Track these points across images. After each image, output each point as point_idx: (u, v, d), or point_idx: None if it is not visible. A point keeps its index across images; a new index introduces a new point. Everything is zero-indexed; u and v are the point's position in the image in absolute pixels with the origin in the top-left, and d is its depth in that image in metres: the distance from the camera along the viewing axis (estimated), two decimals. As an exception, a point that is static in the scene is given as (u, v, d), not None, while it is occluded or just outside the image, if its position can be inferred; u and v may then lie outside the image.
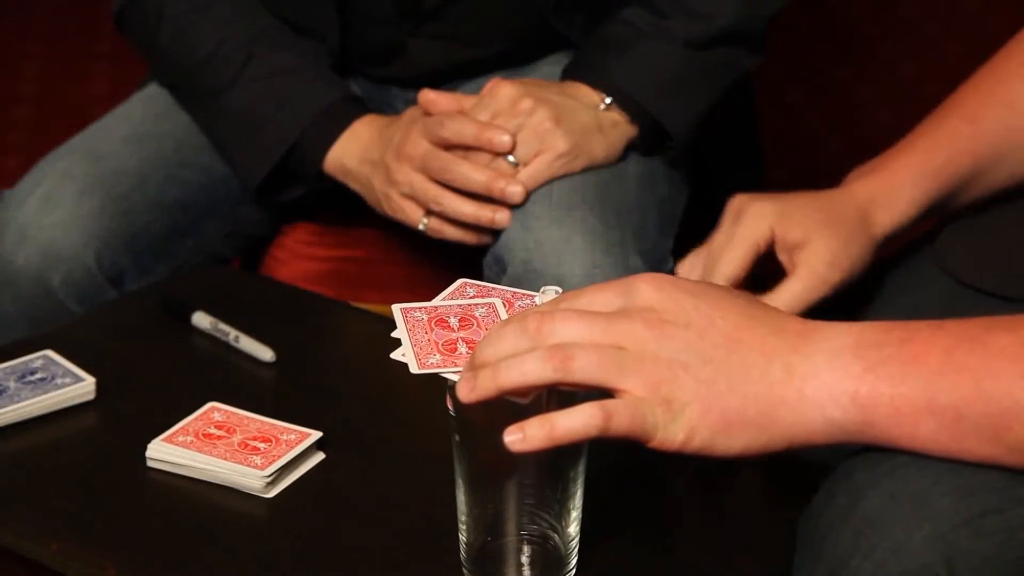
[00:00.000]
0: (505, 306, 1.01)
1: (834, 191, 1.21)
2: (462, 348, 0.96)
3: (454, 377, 0.94)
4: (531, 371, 0.87)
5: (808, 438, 0.87)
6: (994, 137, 1.17)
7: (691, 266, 1.22)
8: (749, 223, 1.18)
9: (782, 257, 1.18)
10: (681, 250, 1.53)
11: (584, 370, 0.87)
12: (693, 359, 0.87)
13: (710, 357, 0.87)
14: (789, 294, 1.16)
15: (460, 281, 1.03)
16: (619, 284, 0.91)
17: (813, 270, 1.16)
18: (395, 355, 0.96)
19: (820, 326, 0.89)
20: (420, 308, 1.00)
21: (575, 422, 0.87)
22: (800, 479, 1.02)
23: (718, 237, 1.20)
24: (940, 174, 1.18)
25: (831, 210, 1.18)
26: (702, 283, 0.93)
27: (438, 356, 0.95)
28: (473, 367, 0.90)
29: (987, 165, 1.18)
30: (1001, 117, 1.18)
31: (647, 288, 0.89)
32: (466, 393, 0.89)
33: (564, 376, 0.87)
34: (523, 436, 0.87)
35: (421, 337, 0.97)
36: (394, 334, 0.97)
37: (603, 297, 0.90)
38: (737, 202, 1.21)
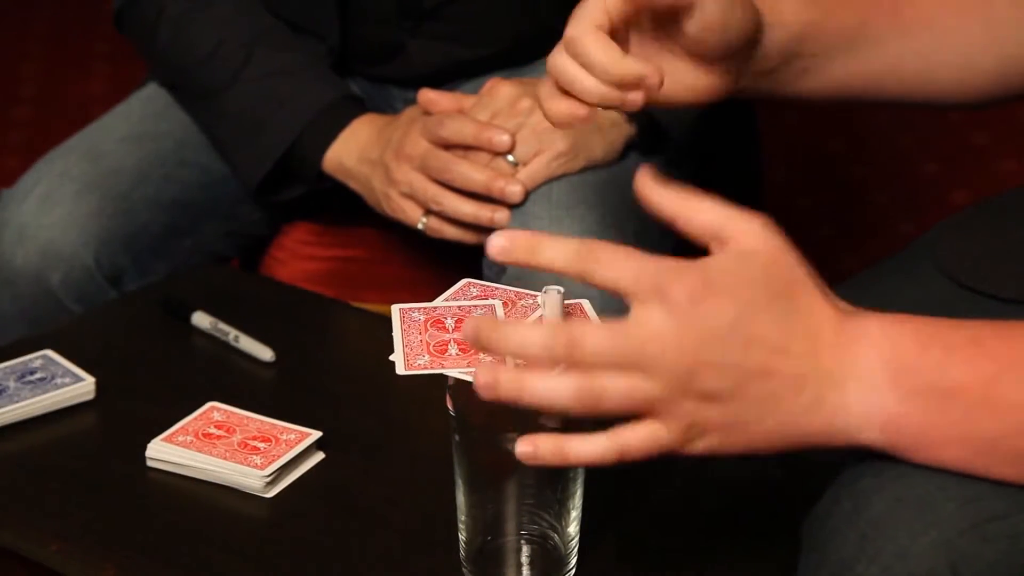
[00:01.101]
0: (506, 306, 1.01)
1: None
2: (452, 349, 0.96)
3: (461, 376, 0.94)
4: (559, 401, 0.84)
5: (828, 452, 0.87)
6: (884, 10, 1.13)
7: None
8: None
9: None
10: (681, 250, 1.53)
11: (612, 407, 0.84)
12: (723, 391, 0.84)
13: (740, 388, 0.84)
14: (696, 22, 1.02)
15: (464, 281, 1.03)
16: (652, 291, 0.84)
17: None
18: (392, 356, 0.96)
19: (855, 342, 0.85)
20: (419, 309, 1.00)
21: (588, 452, 0.86)
22: (805, 481, 1.01)
23: None
24: (830, 8, 1.11)
25: None
26: (742, 276, 0.84)
27: (427, 357, 0.95)
28: (486, 347, 0.85)
29: (872, 36, 1.12)
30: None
31: (684, 292, 0.83)
32: (485, 387, 0.84)
33: (591, 414, 0.84)
34: (534, 452, 0.86)
35: (414, 338, 0.97)
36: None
37: (637, 272, 0.85)
38: None
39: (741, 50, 1.06)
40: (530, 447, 0.86)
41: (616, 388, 0.83)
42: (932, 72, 1.15)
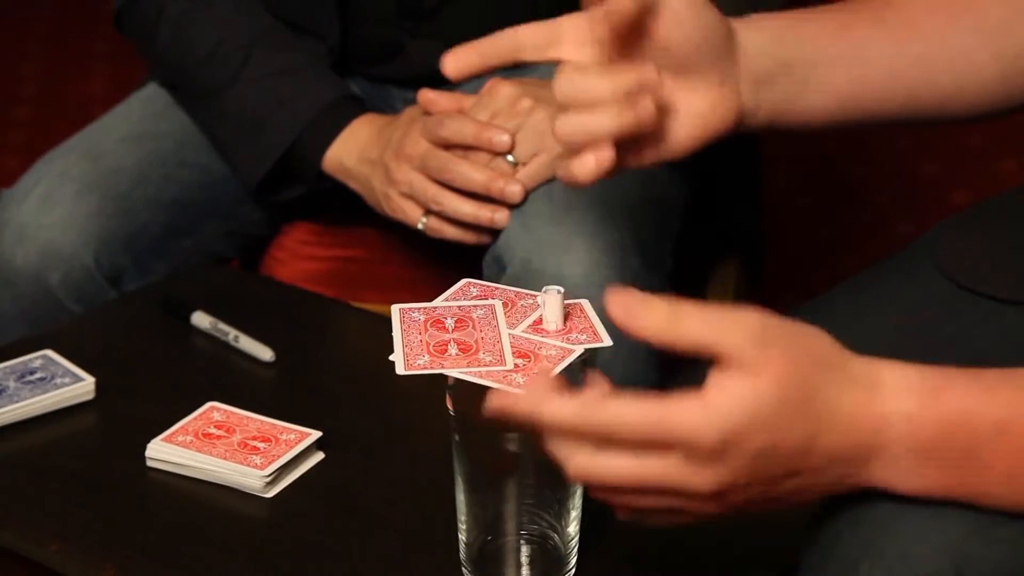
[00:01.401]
0: (506, 306, 1.01)
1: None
2: (452, 350, 0.96)
3: (461, 376, 0.93)
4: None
5: None
6: (869, 16, 1.12)
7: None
8: None
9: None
10: (681, 250, 1.53)
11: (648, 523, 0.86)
12: (752, 499, 0.84)
13: (769, 492, 0.84)
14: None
15: (464, 281, 1.03)
16: (720, 455, 0.81)
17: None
18: (392, 356, 0.96)
19: (881, 432, 0.84)
20: (419, 309, 1.00)
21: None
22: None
23: None
24: (807, 16, 1.11)
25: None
26: (767, 405, 0.82)
27: (426, 357, 0.95)
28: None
29: (858, 41, 1.12)
30: (876, 7, 1.13)
31: (710, 457, 0.81)
32: (498, 409, 0.84)
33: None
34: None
35: (414, 338, 0.97)
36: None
37: (700, 474, 0.82)
38: None
39: (716, 48, 1.06)
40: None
41: (653, 511, 0.84)
42: (931, 76, 1.15)
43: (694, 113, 1.06)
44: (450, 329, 0.98)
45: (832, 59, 1.12)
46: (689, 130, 1.06)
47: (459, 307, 1.00)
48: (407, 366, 0.95)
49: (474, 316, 0.99)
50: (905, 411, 0.83)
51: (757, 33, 1.09)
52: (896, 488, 0.84)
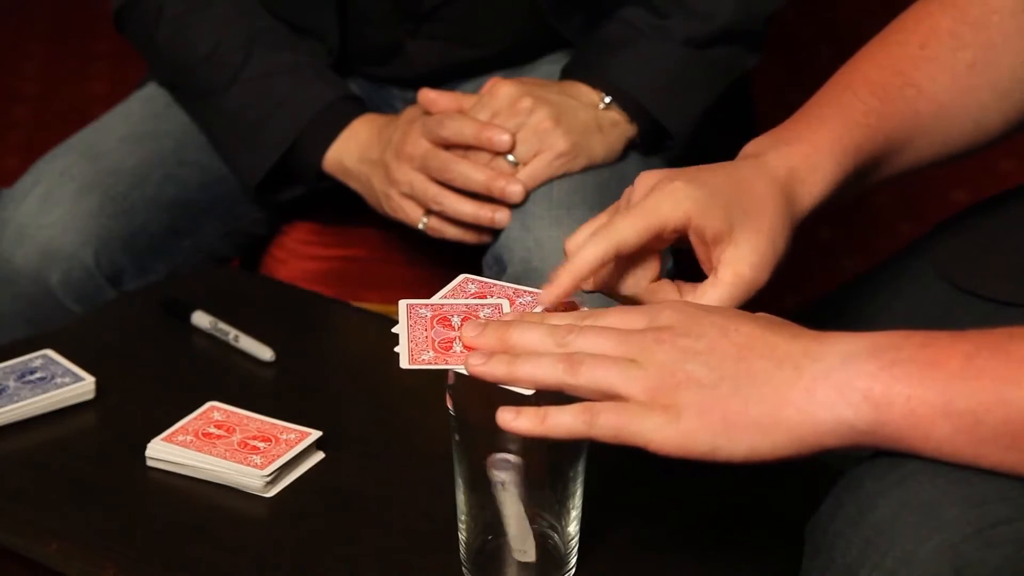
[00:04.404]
0: (508, 304, 1.01)
1: (749, 165, 1.07)
2: (457, 347, 0.96)
3: (465, 372, 0.93)
4: (542, 370, 0.90)
5: (817, 440, 0.86)
6: (903, 119, 1.13)
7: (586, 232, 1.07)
8: (662, 201, 1.02)
9: (699, 250, 1.04)
10: (680, 250, 1.53)
11: (589, 376, 0.89)
12: (700, 368, 0.87)
13: (717, 365, 0.87)
14: (711, 300, 1.02)
15: (461, 277, 1.03)
16: (646, 308, 0.93)
17: (738, 273, 1.02)
18: (397, 348, 0.96)
19: (836, 334, 0.88)
20: (426, 305, 1.00)
21: (563, 419, 0.89)
22: (807, 484, 1.01)
23: (622, 205, 1.06)
24: (860, 150, 1.10)
25: (753, 195, 1.04)
26: (726, 308, 0.94)
27: (431, 353, 0.95)
28: (491, 339, 0.93)
29: (896, 147, 1.13)
30: (910, 99, 1.13)
31: (669, 311, 0.91)
32: (477, 366, 0.92)
33: (571, 379, 0.89)
34: (515, 417, 0.90)
35: (419, 334, 0.97)
36: (395, 329, 0.97)
37: (629, 318, 0.92)
38: (648, 178, 1.05)
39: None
40: (512, 413, 0.90)
41: (596, 357, 0.89)
42: (948, 150, 1.17)
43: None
44: (456, 327, 0.98)
45: (863, 176, 1.13)
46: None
47: (466, 305, 1.00)
48: (411, 361, 0.95)
49: (481, 315, 0.99)
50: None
51: (812, 204, 1.08)
52: (853, 384, 0.84)
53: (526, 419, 0.89)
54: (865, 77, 1.13)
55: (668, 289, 1.05)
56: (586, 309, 0.98)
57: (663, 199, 1.02)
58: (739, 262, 1.02)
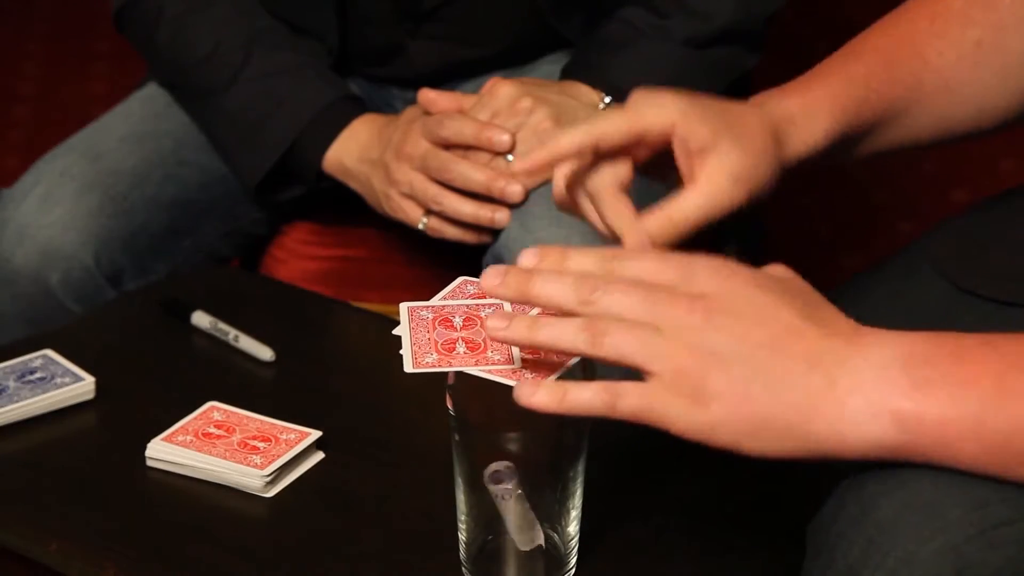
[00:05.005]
0: (508, 304, 1.01)
1: (744, 104, 1.07)
2: (460, 348, 0.95)
3: (472, 373, 0.93)
4: (564, 337, 0.86)
5: (842, 452, 0.85)
6: (907, 86, 1.12)
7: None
8: (649, 106, 1.02)
9: (681, 161, 1.03)
10: (680, 249, 1.53)
11: (615, 347, 0.85)
12: (732, 355, 0.84)
13: (750, 355, 0.85)
14: (686, 206, 1.02)
15: (460, 279, 1.03)
16: (680, 261, 0.88)
17: (716, 182, 1.01)
18: (401, 351, 0.96)
19: (870, 335, 0.86)
20: (427, 307, 1.00)
21: (583, 396, 0.86)
22: (809, 485, 1.01)
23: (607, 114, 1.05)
24: (859, 109, 1.10)
25: (743, 120, 1.05)
26: (764, 275, 0.89)
27: (435, 355, 0.95)
28: (512, 289, 0.89)
29: (895, 114, 1.13)
30: (915, 69, 1.13)
31: (705, 273, 0.87)
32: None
33: (594, 350, 0.86)
34: (533, 392, 0.86)
35: (421, 336, 0.97)
36: (395, 331, 0.97)
37: (661, 268, 0.88)
38: (637, 94, 1.04)
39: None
40: (531, 387, 0.87)
41: (621, 325, 0.85)
42: (948, 128, 1.16)
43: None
44: (458, 327, 0.98)
45: (862, 140, 1.12)
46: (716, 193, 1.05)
47: (467, 306, 1.00)
48: (415, 364, 0.95)
49: (482, 315, 0.99)
50: (894, 331, 0.86)
51: (807, 152, 1.09)
52: (884, 403, 0.83)
53: (545, 395, 0.86)
54: (874, 45, 1.14)
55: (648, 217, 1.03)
56: (610, 248, 0.93)
57: (650, 104, 1.02)
58: (720, 171, 1.02)
